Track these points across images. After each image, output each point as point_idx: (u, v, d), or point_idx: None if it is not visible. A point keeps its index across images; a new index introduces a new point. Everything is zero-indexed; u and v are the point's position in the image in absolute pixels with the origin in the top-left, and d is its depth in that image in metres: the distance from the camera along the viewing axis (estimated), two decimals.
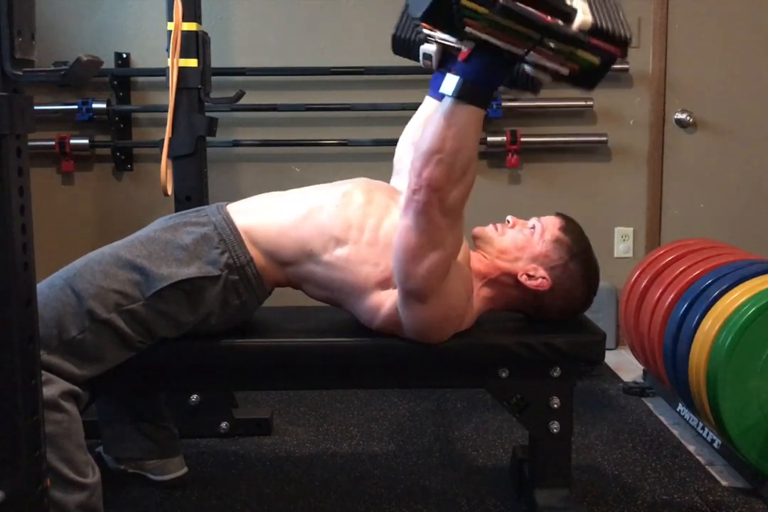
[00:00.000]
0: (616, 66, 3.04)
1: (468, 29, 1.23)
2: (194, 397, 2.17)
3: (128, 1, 3.00)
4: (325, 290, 1.62)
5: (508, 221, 1.72)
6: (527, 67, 1.29)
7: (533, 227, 1.69)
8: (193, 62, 2.21)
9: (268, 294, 1.67)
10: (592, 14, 1.24)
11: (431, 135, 1.36)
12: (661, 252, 2.46)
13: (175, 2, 2.17)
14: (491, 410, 2.42)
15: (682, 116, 3.08)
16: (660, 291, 2.26)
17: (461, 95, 1.32)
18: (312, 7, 3.02)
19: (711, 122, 3.10)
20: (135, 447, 1.89)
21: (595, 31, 1.24)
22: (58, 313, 1.50)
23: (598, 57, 1.27)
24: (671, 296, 2.18)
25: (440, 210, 1.40)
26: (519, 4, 1.18)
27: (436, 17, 1.24)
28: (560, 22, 1.22)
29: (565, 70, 1.28)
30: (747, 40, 3.07)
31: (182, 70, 2.20)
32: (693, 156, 3.11)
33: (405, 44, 1.73)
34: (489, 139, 3.00)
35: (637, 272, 2.47)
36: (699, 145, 3.11)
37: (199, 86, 2.23)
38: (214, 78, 2.34)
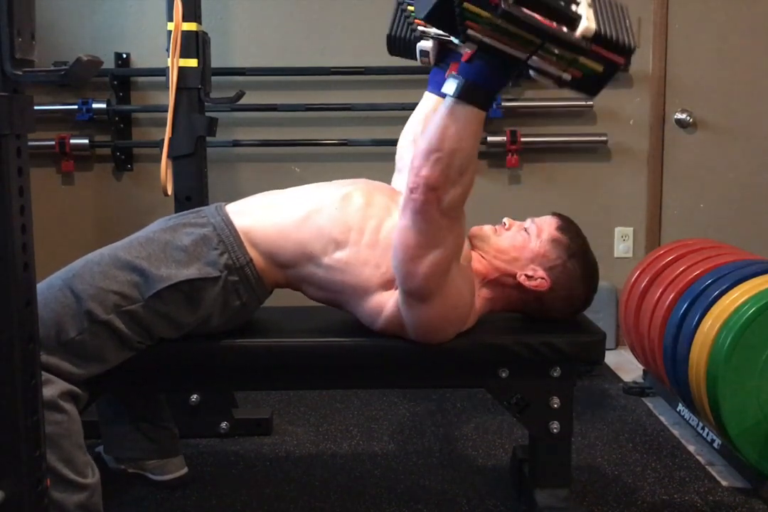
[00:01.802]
0: None
1: (470, 32, 1.23)
2: (194, 397, 2.17)
3: (128, 1, 3.00)
4: (326, 292, 1.62)
5: (505, 223, 1.72)
6: (531, 72, 1.29)
7: (530, 228, 1.69)
8: (193, 62, 2.21)
9: (269, 294, 1.67)
10: (597, 21, 1.24)
11: (431, 134, 1.37)
12: (661, 252, 2.46)
13: (175, 2, 2.17)
14: (491, 410, 2.42)
15: (682, 116, 3.08)
16: (660, 291, 2.26)
17: (462, 96, 1.32)
18: (312, 7, 3.02)
19: (711, 122, 3.10)
20: (135, 447, 1.89)
21: (598, 38, 1.23)
22: (57, 314, 1.50)
23: (601, 64, 1.26)
24: (671, 296, 2.18)
25: (438, 209, 1.40)
26: (522, 8, 1.18)
27: (439, 19, 1.25)
28: (564, 28, 1.21)
29: (567, 76, 1.28)
30: (747, 40, 3.07)
31: (182, 70, 2.20)
32: (693, 156, 3.11)
33: (400, 43, 1.73)
34: (489, 139, 3.00)
35: (637, 272, 2.47)
36: (699, 145, 3.11)
37: (199, 86, 2.23)
38: (214, 78, 2.34)
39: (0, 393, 1.04)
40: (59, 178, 3.08)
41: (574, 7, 1.23)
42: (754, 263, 2.07)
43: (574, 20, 1.21)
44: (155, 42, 2.81)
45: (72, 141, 2.95)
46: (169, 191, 2.25)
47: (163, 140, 2.23)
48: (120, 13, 3.01)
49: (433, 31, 1.60)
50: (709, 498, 1.87)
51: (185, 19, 2.19)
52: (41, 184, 2.98)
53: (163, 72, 2.23)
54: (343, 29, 3.03)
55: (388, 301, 1.55)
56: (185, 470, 1.94)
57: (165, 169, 2.22)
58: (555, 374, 1.65)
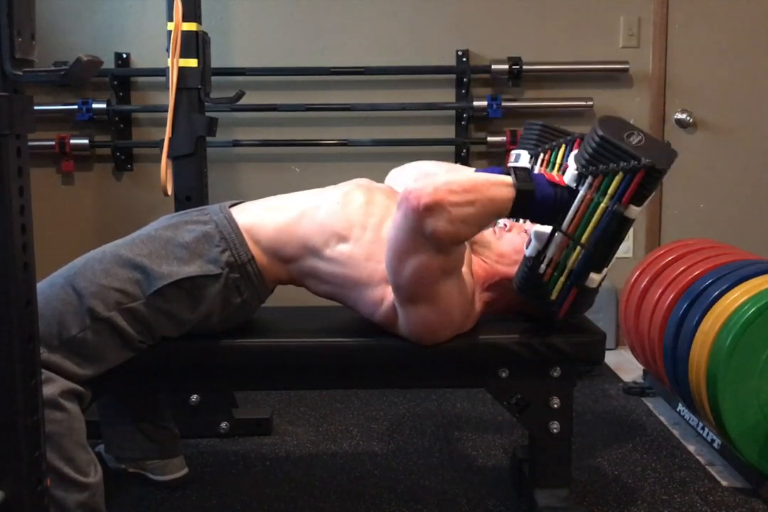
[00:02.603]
0: (615, 66, 3.07)
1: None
2: (194, 397, 2.17)
3: (128, 1, 3.00)
4: (329, 285, 1.62)
5: (505, 225, 1.73)
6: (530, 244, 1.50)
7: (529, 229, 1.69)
8: (193, 62, 2.21)
9: (270, 292, 1.67)
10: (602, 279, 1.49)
11: (472, 177, 1.43)
12: (661, 252, 2.46)
13: (175, 2, 2.18)
14: (491, 410, 2.42)
15: (682, 116, 3.08)
16: (660, 291, 2.26)
17: (521, 185, 1.41)
18: (312, 7, 3.02)
19: (711, 122, 3.10)
20: (135, 447, 1.89)
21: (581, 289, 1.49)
22: (59, 312, 1.50)
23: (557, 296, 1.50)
24: (671, 296, 2.18)
25: (421, 228, 1.40)
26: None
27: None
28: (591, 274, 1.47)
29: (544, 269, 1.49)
30: (747, 40, 3.07)
31: (182, 70, 2.20)
32: (693, 156, 3.10)
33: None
34: (489, 139, 3.00)
35: (637, 272, 2.47)
36: (699, 145, 3.11)
37: (199, 86, 2.23)
38: (214, 78, 2.34)
39: (0, 393, 1.04)
40: (59, 178, 3.08)
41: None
42: (754, 263, 2.07)
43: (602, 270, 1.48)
44: (155, 42, 2.81)
45: (72, 141, 2.95)
46: (169, 191, 2.25)
47: (163, 140, 2.23)
48: (120, 13, 3.01)
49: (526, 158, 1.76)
50: (709, 498, 1.87)
51: (185, 19, 2.20)
52: (41, 184, 2.98)
53: (163, 72, 2.23)
54: (343, 29, 3.03)
55: (389, 294, 1.55)
56: (186, 470, 1.94)
57: (165, 169, 2.23)
58: (555, 374, 1.65)
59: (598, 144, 1.40)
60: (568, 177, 1.44)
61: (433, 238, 1.41)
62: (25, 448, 1.06)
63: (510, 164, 1.74)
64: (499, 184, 1.43)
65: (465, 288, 1.56)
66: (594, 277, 1.45)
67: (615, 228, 1.41)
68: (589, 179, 1.41)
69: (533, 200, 1.43)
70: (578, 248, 1.44)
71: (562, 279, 1.47)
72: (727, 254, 2.27)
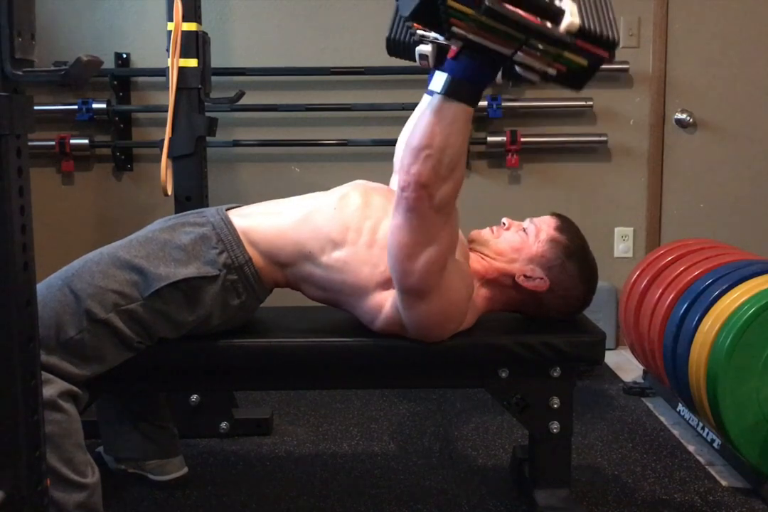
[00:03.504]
0: (615, 66, 3.07)
1: (455, 29, 1.24)
2: (194, 397, 2.17)
3: (128, 1, 3.00)
4: (325, 291, 1.62)
5: (504, 223, 1.72)
6: (516, 67, 1.30)
7: (528, 228, 1.69)
8: (193, 62, 2.21)
9: (269, 293, 1.67)
10: (581, 16, 1.24)
11: (420, 131, 1.36)
12: (661, 252, 2.46)
13: (175, 2, 2.17)
14: (491, 410, 2.42)
15: (682, 116, 3.08)
16: (660, 291, 2.26)
17: (449, 92, 1.32)
18: (312, 7, 3.03)
19: (711, 122, 3.10)
20: (135, 447, 1.89)
21: (582, 33, 1.23)
22: (57, 313, 1.50)
23: (585, 59, 1.27)
24: (671, 296, 2.18)
25: (430, 206, 1.40)
26: (505, 5, 1.19)
27: (423, 17, 1.26)
28: (548, 24, 1.22)
29: (552, 71, 1.28)
30: (747, 40, 3.07)
31: (182, 70, 2.20)
32: (693, 156, 3.11)
33: (400, 45, 1.73)
34: (489, 139, 3.01)
35: (637, 272, 2.47)
36: (699, 145, 3.11)
37: (199, 86, 2.23)
38: (214, 78, 2.34)
39: (0, 393, 1.04)
40: (59, 178, 3.08)
41: (557, 3, 1.23)
42: (754, 263, 2.07)
43: (557, 15, 1.21)
44: (155, 42, 2.81)
45: (72, 141, 2.95)
46: (169, 191, 2.25)
47: (163, 140, 2.23)
48: (120, 13, 3.01)
49: (432, 34, 1.60)
50: (709, 498, 1.87)
51: (185, 19, 2.19)
52: (41, 184, 2.98)
53: (163, 72, 2.23)
54: (343, 29, 3.03)
55: (386, 301, 1.55)
56: (185, 470, 1.94)
57: (165, 169, 2.22)
58: (555, 374, 1.65)
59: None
60: (435, 39, 1.40)
61: (443, 205, 1.40)
62: (25, 448, 1.06)
63: (429, 77, 1.56)
64: (438, 111, 1.34)
65: (464, 274, 1.57)
66: None
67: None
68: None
69: (468, 83, 1.32)
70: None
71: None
72: (727, 254, 2.27)
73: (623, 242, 3.15)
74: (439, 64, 1.67)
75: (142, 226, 1.70)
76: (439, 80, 1.33)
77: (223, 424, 2.21)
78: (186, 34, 2.20)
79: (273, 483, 1.96)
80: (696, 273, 2.17)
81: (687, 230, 3.03)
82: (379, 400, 2.53)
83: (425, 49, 1.63)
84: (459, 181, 1.41)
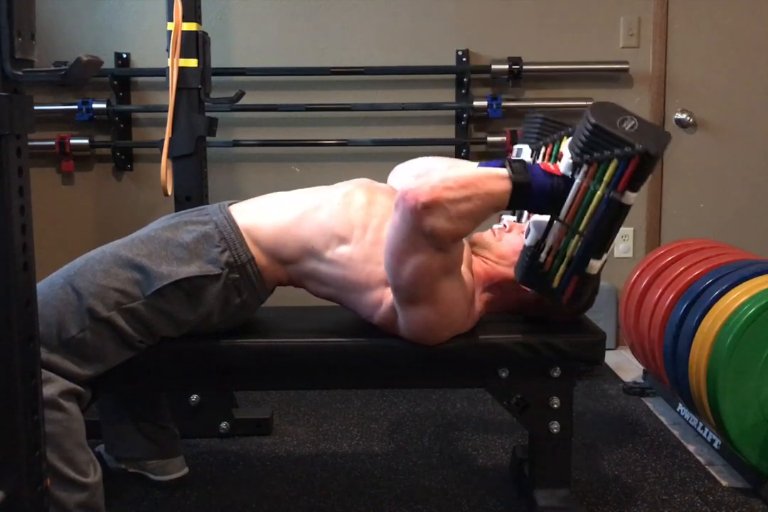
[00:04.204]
0: (616, 66, 3.07)
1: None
2: (194, 397, 2.17)
3: (128, 1, 3.00)
4: (329, 287, 1.62)
5: (504, 226, 1.73)
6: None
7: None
8: (193, 62, 2.21)
9: (270, 292, 1.67)
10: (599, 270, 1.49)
11: (468, 172, 1.43)
12: (661, 252, 2.46)
13: (175, 2, 2.17)
14: (491, 410, 2.42)
15: (682, 116, 3.08)
16: (660, 291, 2.26)
17: (517, 177, 1.42)
18: (312, 7, 3.02)
19: (711, 122, 3.10)
20: (135, 447, 1.89)
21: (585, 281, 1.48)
22: (59, 312, 1.50)
23: (560, 289, 1.48)
24: (671, 296, 2.18)
25: (419, 227, 1.40)
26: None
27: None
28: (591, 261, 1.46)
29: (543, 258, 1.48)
30: (747, 40, 3.07)
31: (182, 70, 2.20)
32: (693, 156, 3.11)
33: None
34: (489, 139, 3.00)
35: (637, 272, 2.47)
36: (699, 145, 3.11)
37: (199, 86, 2.23)
38: (214, 78, 2.34)
39: (0, 393, 1.04)
40: (59, 178, 3.08)
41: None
42: (754, 263, 2.07)
43: (602, 252, 1.47)
44: (155, 42, 2.81)
45: (72, 141, 2.95)
46: (169, 191, 2.25)
47: (163, 140, 2.23)
48: (120, 13, 3.01)
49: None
50: (709, 498, 1.87)
51: (185, 19, 2.19)
52: (41, 184, 2.98)
53: (163, 72, 2.23)
54: (343, 29, 3.03)
55: (387, 296, 1.55)
56: (186, 470, 1.94)
57: (165, 169, 2.22)
58: (555, 374, 1.65)
59: (590, 132, 1.39)
60: (564, 166, 1.44)
61: (432, 237, 1.41)
62: (25, 448, 1.06)
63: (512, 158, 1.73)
64: (495, 178, 1.42)
65: (465, 288, 1.55)
66: (594, 264, 1.45)
67: (612, 215, 1.41)
68: (584, 167, 1.40)
69: (530, 191, 1.42)
70: (577, 236, 1.43)
71: (562, 267, 1.46)
72: (727, 254, 2.27)
73: (623, 242, 3.15)
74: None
75: (142, 226, 1.70)
76: (521, 166, 1.45)
77: (223, 424, 2.21)
78: (186, 34, 2.20)
79: (273, 483, 1.96)
80: (696, 273, 2.17)
81: (687, 230, 3.03)
82: (379, 400, 2.53)
83: (525, 151, 1.74)
84: (457, 231, 1.42)
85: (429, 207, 1.38)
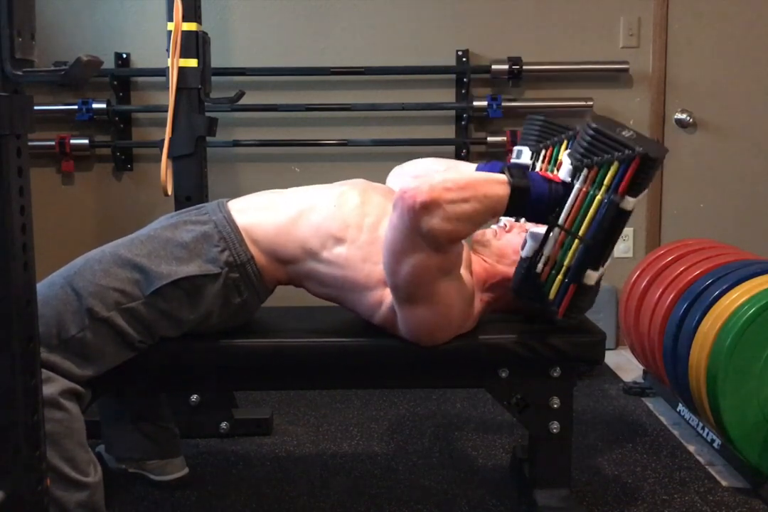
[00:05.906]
0: (616, 66, 3.07)
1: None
2: (194, 397, 2.16)
3: (128, 1, 3.00)
4: (328, 287, 1.62)
5: (505, 225, 1.73)
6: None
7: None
8: (193, 62, 2.21)
9: (270, 292, 1.67)
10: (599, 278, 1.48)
11: (467, 175, 1.45)
12: (661, 252, 2.46)
13: (175, 2, 2.18)
14: (491, 410, 2.42)
15: (682, 116, 3.08)
16: (660, 291, 2.26)
17: (516, 182, 1.42)
18: (312, 7, 3.02)
19: (711, 122, 3.10)
20: (135, 447, 1.89)
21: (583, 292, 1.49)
22: (58, 312, 1.50)
23: (555, 296, 1.49)
24: (671, 296, 2.18)
25: (417, 227, 1.40)
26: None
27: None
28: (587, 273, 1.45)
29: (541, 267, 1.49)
30: (747, 41, 3.07)
31: (182, 70, 2.20)
32: (693, 156, 3.11)
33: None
34: (489, 139, 3.00)
35: (637, 272, 2.47)
36: (699, 145, 3.11)
37: (199, 86, 2.24)
38: (214, 78, 2.35)
39: (0, 393, 1.04)
40: (59, 178, 3.08)
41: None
42: (754, 263, 2.07)
43: (599, 263, 1.46)
44: (155, 42, 2.81)
45: (72, 141, 2.95)
46: (169, 191, 2.25)
47: (163, 140, 2.23)
48: (120, 13, 3.01)
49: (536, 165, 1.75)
50: (709, 498, 1.87)
51: (185, 19, 2.20)
52: (41, 184, 2.98)
53: (163, 72, 2.23)
54: (343, 29, 3.03)
55: (387, 297, 1.55)
56: (186, 471, 1.94)
57: (165, 169, 2.23)
58: (555, 374, 1.65)
59: (591, 136, 1.40)
60: (563, 172, 1.45)
61: (429, 237, 1.41)
62: (25, 448, 1.06)
63: (512, 160, 1.74)
64: (494, 182, 1.43)
65: (464, 289, 1.55)
66: (591, 274, 1.45)
67: (612, 220, 1.41)
68: (584, 172, 1.41)
69: (528, 196, 1.43)
70: (576, 243, 1.43)
71: (559, 277, 1.47)
72: (727, 254, 2.27)
73: (623, 242, 3.15)
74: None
75: (142, 226, 1.70)
76: (520, 172, 1.46)
77: (223, 424, 2.21)
78: (186, 34, 2.20)
79: (273, 483, 1.96)
80: (696, 273, 2.17)
81: (687, 230, 3.03)
82: (379, 400, 2.53)
83: (525, 154, 1.74)
84: (455, 231, 1.42)
85: (427, 207, 1.38)
